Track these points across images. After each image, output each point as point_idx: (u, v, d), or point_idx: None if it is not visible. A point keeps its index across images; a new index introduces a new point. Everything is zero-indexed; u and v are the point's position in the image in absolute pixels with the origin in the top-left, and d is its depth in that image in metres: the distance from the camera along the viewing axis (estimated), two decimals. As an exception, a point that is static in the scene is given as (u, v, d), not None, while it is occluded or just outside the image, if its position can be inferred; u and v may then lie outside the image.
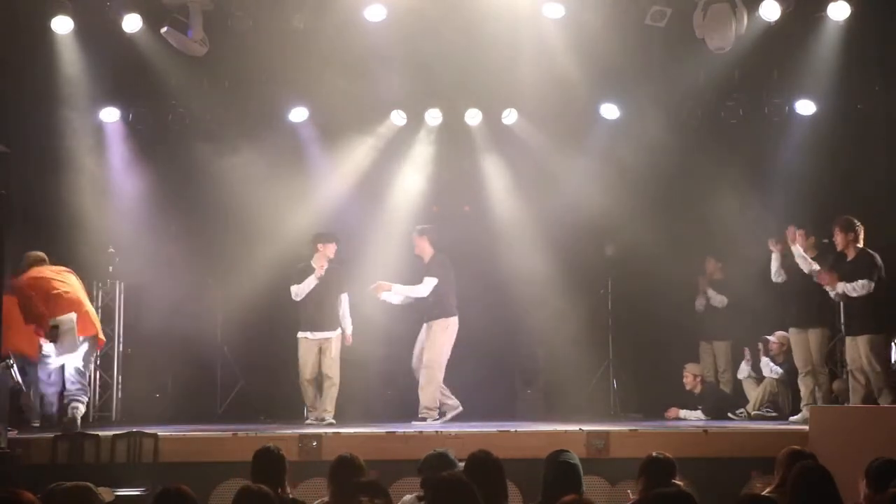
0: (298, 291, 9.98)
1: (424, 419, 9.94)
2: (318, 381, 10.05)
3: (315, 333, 10.00)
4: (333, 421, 9.90)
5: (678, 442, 8.06)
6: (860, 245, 9.16)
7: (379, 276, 11.20)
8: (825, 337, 9.74)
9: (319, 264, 9.95)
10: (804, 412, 9.65)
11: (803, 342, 9.79)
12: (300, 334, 10.07)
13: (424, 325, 10.36)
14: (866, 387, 9.10)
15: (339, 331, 10.10)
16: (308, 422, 9.89)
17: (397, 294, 10.33)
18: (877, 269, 9.07)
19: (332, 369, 9.98)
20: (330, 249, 10.07)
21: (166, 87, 10.87)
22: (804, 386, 9.78)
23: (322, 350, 10.01)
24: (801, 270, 9.54)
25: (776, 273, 9.89)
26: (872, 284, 8.99)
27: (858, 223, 9.17)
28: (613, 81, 11.16)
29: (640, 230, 11.17)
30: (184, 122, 11.12)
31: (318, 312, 10.00)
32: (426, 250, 10.38)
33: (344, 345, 10.23)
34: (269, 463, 5.53)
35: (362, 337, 11.07)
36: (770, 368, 10.55)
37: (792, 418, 9.94)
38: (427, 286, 10.21)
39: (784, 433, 8.41)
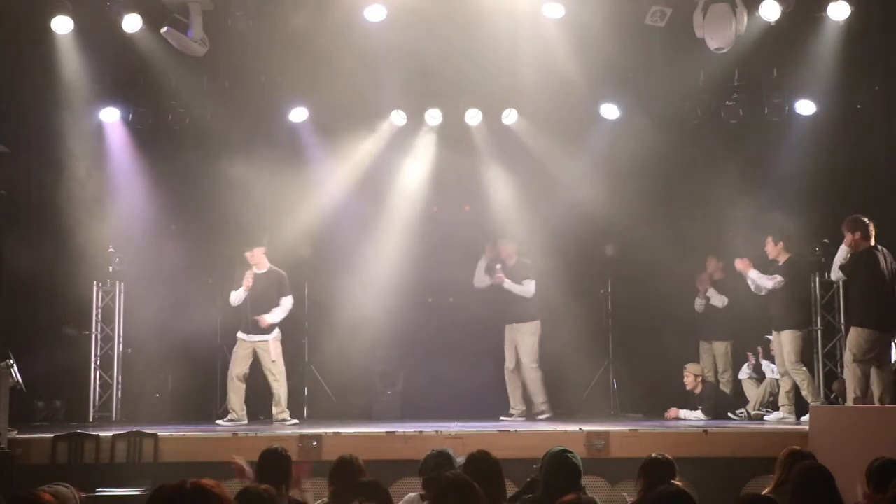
0: (233, 299, 10.09)
1: (544, 413, 10.47)
2: (245, 382, 10.16)
3: (250, 336, 10.04)
4: (296, 420, 10.07)
5: (678, 442, 8.08)
6: (870, 243, 8.93)
7: (377, 275, 11.24)
8: (795, 338, 9.77)
9: (247, 277, 10.02)
10: (780, 412, 9.91)
11: (777, 344, 10.00)
12: (238, 334, 10.14)
13: (512, 325, 10.76)
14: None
15: (275, 334, 10.12)
16: (222, 423, 9.85)
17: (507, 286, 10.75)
18: (868, 267, 8.92)
19: (276, 368, 10.08)
20: (255, 256, 10.12)
21: (166, 87, 10.87)
22: (780, 386, 10.03)
23: (259, 354, 10.06)
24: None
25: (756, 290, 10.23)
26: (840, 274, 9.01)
27: (866, 221, 8.95)
28: (613, 81, 11.16)
29: (640, 230, 11.17)
30: (184, 122, 11.11)
31: (250, 316, 10.03)
32: (513, 255, 10.81)
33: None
34: (274, 463, 5.54)
35: (363, 337, 11.11)
36: (772, 369, 10.57)
37: (766, 417, 10.03)
38: (530, 286, 10.67)
39: (784, 433, 8.43)
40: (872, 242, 8.94)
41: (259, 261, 10.13)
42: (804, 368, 9.80)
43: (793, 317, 9.89)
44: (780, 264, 10.01)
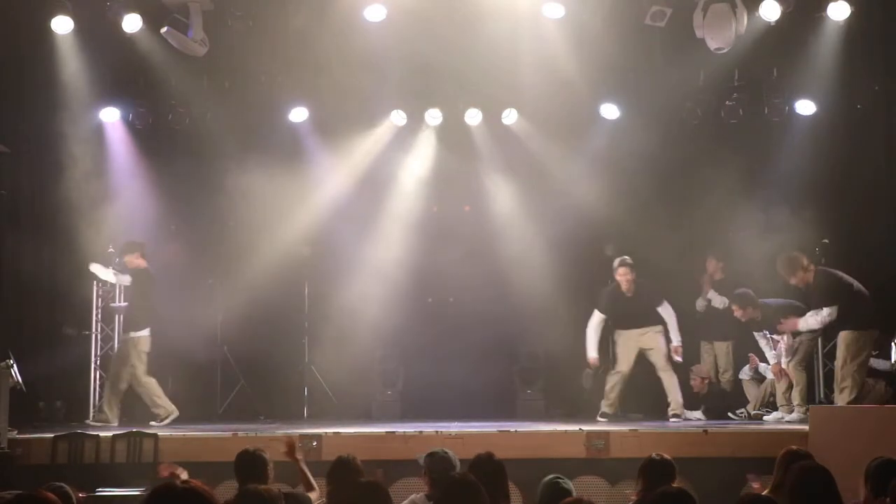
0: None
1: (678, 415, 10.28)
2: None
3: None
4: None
5: (678, 442, 8.08)
6: (811, 271, 9.31)
7: (377, 274, 11.24)
8: (808, 340, 9.84)
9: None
10: (779, 412, 9.92)
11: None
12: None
13: (639, 330, 10.47)
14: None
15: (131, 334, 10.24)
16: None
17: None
18: (830, 285, 9.19)
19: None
20: (129, 262, 10.31)
21: (166, 87, 10.88)
22: (777, 387, 10.05)
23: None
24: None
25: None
26: (835, 309, 9.08)
27: (797, 255, 9.35)
28: (613, 81, 11.16)
29: (639, 230, 11.16)
30: (184, 121, 11.11)
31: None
32: (626, 277, 10.44)
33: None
34: (249, 464, 5.53)
35: (363, 337, 11.11)
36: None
37: (765, 417, 10.04)
38: (669, 311, 10.39)
39: (784, 433, 8.41)
40: (812, 270, 9.30)
41: (134, 264, 10.24)
42: (804, 373, 9.84)
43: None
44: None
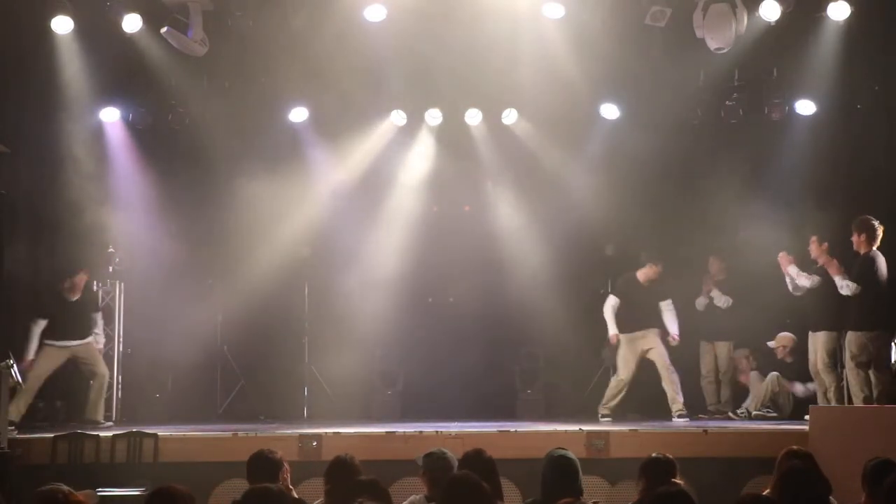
0: None
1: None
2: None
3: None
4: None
5: (678, 442, 8.08)
6: (873, 246, 9.06)
7: (377, 274, 11.25)
8: (829, 339, 9.63)
9: None
10: None
11: (812, 345, 9.80)
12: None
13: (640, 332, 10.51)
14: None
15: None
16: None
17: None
18: (867, 272, 9.01)
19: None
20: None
21: (166, 87, 10.87)
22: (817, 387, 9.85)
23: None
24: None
25: (793, 289, 9.93)
26: (858, 288, 8.95)
27: (875, 224, 9.07)
28: (613, 81, 11.16)
29: (640, 230, 11.17)
30: (184, 122, 11.11)
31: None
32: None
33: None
34: (262, 465, 5.52)
35: (363, 336, 11.12)
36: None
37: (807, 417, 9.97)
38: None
39: (784, 433, 8.43)
40: (876, 245, 9.03)
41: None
42: (835, 371, 9.64)
43: (829, 318, 9.58)
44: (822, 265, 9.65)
